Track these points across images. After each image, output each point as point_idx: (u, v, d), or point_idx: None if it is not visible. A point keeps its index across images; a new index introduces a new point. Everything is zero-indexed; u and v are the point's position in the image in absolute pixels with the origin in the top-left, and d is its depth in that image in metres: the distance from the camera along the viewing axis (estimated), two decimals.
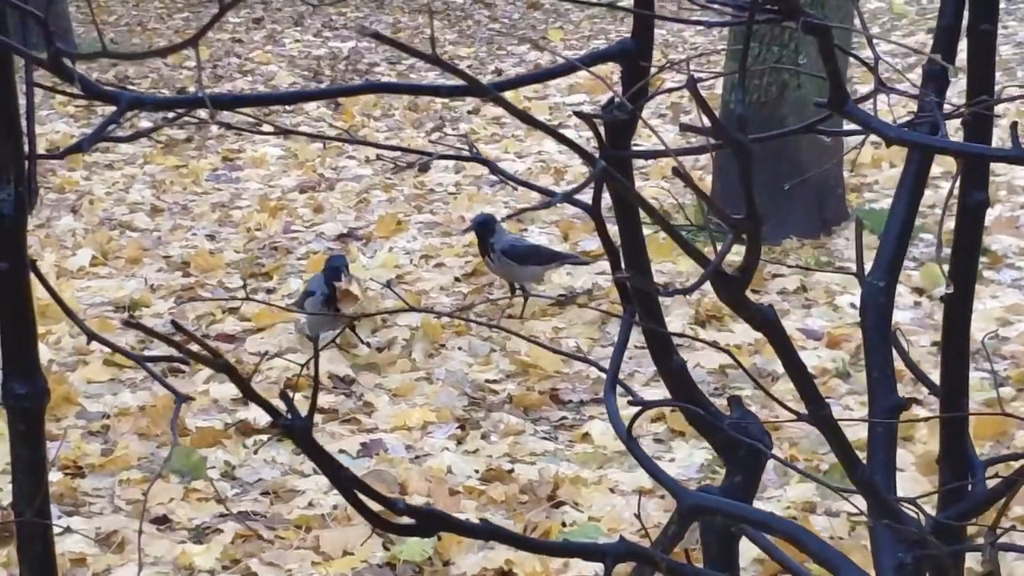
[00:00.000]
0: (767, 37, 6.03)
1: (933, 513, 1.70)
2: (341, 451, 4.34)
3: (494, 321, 5.29)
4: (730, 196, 6.36)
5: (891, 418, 1.64)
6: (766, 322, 1.43)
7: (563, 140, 1.31)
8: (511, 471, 4.21)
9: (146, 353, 4.84)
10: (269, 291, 5.95)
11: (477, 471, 4.23)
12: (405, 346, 5.22)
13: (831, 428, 1.47)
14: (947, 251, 1.74)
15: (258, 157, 8.45)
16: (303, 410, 1.46)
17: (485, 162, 1.61)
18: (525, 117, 1.28)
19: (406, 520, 1.49)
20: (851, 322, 5.19)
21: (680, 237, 1.29)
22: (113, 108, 1.53)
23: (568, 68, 1.53)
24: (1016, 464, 1.70)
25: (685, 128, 1.25)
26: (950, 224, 1.77)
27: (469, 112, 9.46)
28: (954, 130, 1.69)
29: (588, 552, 1.55)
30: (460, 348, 5.21)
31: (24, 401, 1.78)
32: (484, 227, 5.48)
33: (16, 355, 1.78)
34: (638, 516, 1.62)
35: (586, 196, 1.80)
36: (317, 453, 1.41)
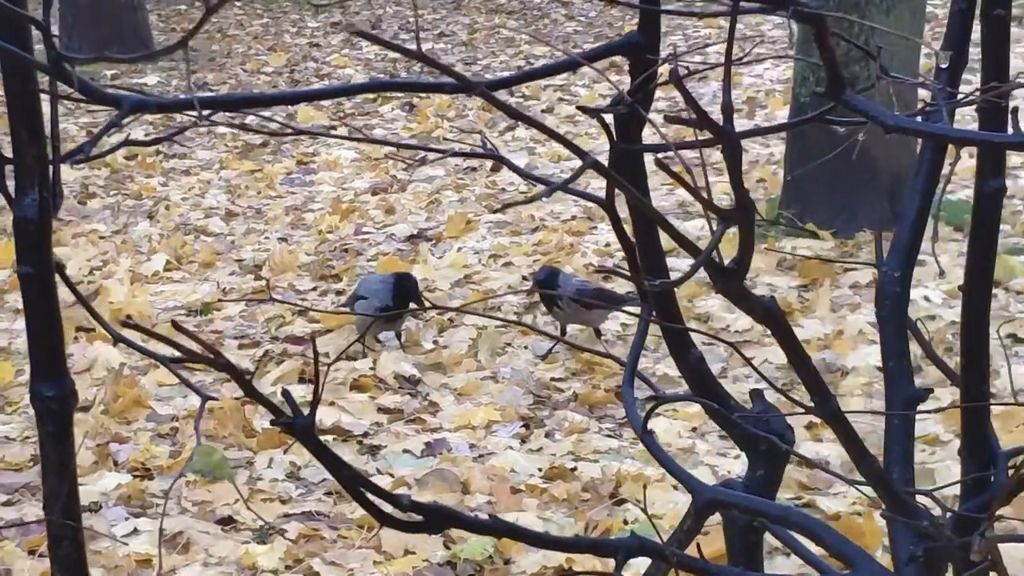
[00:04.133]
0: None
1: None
2: (405, 451, 4.35)
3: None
4: (802, 189, 6.35)
5: (908, 410, 1.62)
6: (768, 313, 1.42)
7: (551, 134, 1.31)
8: (574, 469, 4.20)
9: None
10: (339, 292, 5.99)
11: (540, 469, 4.23)
12: (471, 345, 5.22)
13: (837, 420, 1.45)
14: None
15: (332, 160, 8.50)
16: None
17: (496, 157, 1.61)
18: (512, 112, 1.28)
19: (413, 516, 1.50)
20: (923, 315, 5.13)
21: (670, 227, 1.29)
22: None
23: (570, 64, 1.53)
24: None
25: (671, 120, 1.25)
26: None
27: (543, 111, 9.46)
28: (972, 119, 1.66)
29: (599, 547, 1.54)
30: (525, 347, 5.21)
31: (52, 403, 1.81)
32: (547, 284, 5.10)
33: (43, 358, 1.81)
34: (646, 517, 1.61)
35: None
36: (320, 450, 1.42)
